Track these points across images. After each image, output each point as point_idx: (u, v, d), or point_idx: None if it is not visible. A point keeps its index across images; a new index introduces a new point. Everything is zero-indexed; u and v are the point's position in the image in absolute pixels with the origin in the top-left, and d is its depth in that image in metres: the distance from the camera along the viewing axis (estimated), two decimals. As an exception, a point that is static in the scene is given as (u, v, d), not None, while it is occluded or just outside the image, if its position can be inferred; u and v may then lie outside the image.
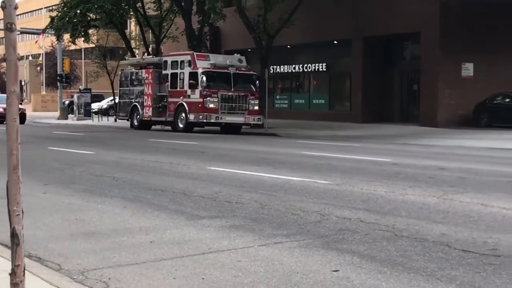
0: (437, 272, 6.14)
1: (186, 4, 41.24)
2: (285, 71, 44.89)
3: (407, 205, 9.70)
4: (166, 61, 33.81)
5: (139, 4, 45.01)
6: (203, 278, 5.99)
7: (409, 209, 9.36)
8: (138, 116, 35.44)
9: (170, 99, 32.85)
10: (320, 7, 39.69)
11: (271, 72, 43.34)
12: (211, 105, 30.78)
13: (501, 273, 6.12)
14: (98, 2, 40.81)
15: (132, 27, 61.01)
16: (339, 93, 43.01)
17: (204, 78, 30.80)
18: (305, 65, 43.88)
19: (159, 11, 46.03)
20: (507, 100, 33.11)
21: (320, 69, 43.18)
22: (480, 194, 10.81)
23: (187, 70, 31.84)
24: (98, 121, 48.81)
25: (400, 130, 32.08)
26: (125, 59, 46.16)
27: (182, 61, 32.39)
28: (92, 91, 56.01)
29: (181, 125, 32.05)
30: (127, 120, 37.09)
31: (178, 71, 32.45)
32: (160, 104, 33.71)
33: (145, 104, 34.67)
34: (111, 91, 51.48)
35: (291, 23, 37.92)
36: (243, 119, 31.62)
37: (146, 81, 34.82)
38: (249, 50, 43.11)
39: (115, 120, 47.83)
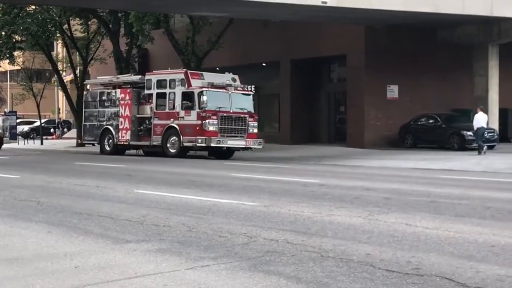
0: (361, 292, 6.21)
1: (114, 26, 41.05)
2: (214, 93, 44.89)
3: (334, 226, 9.79)
4: (150, 80, 30.89)
5: (65, 26, 44.55)
6: (128, 303, 5.91)
7: (335, 230, 9.45)
8: (110, 140, 32.31)
9: (156, 121, 30.04)
10: (249, 30, 39.99)
11: (200, 94, 43.34)
12: (211, 128, 28.06)
13: (423, 291, 6.23)
14: (23, 24, 40.27)
15: (59, 49, 60.25)
16: (268, 114, 43.28)
17: (205, 98, 27.99)
18: (234, 87, 44.00)
19: (86, 33, 45.63)
20: (431, 121, 33.89)
21: (249, 91, 43.35)
22: (404, 214, 10.99)
23: (179, 90, 29.12)
24: (24, 144, 47.89)
25: (328, 151, 32.47)
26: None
27: (172, 80, 29.59)
28: (18, 113, 55.06)
29: (172, 150, 29.10)
30: (95, 144, 34.00)
31: (167, 90, 29.66)
32: (142, 127, 30.96)
33: (120, 127, 31.69)
34: (38, 113, 50.64)
35: (219, 46, 38.16)
36: (244, 142, 28.94)
37: (121, 101, 31.83)
38: (178, 72, 42.92)
39: (42, 143, 47.10)
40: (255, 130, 29.39)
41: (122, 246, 8.40)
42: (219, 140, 28.00)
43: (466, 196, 13.56)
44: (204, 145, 28.06)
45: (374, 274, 6.84)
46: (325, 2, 28.09)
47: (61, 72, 50.18)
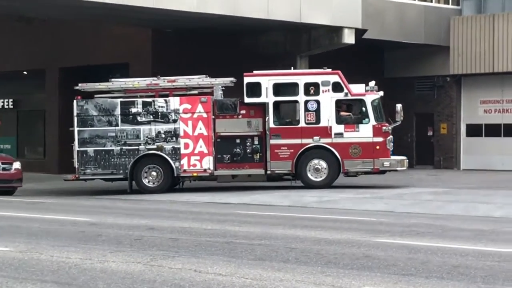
0: None
1: None
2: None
3: (107, 275, 9.77)
4: (257, 84, 27.01)
5: None
6: None
7: (108, 280, 9.43)
8: (154, 173, 26.76)
9: (276, 141, 26.55)
10: (6, 28, 39.18)
11: None
12: (392, 146, 26.98)
13: None
14: None
15: None
16: (30, 136, 42.42)
17: (399, 108, 26.74)
18: (-15, 100, 42.87)
19: None
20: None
21: (6, 106, 42.37)
22: (194, 258, 11.17)
23: (328, 97, 26.49)
24: None
25: (111, 183, 30.50)
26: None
27: (310, 84, 26.67)
28: None
29: (316, 179, 26.65)
30: (111, 180, 27.96)
31: (300, 98, 26.62)
32: (237, 150, 26.87)
33: (186, 151, 26.56)
34: None
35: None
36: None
37: (182, 115, 26.80)
38: None
39: None
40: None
41: None
42: (402, 161, 27.39)
43: (268, 236, 13.98)
44: (395, 169, 26.97)
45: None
46: (104, -2, 28.05)
47: None
